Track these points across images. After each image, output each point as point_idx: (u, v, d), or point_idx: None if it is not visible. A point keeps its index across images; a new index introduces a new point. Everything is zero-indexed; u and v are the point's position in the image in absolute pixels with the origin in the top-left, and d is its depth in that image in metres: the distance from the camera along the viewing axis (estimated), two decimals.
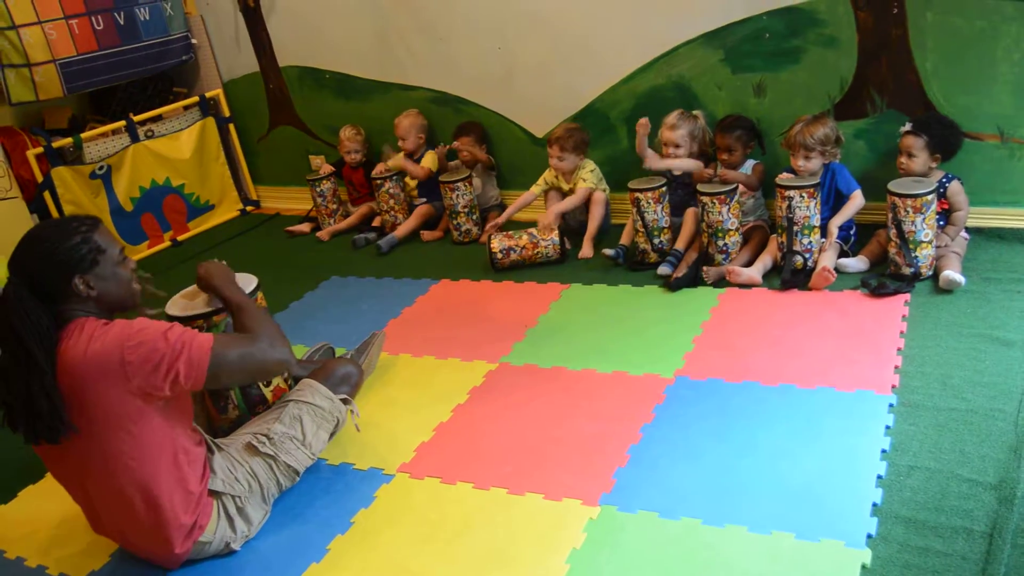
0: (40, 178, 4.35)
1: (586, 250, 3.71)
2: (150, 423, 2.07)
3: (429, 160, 4.28)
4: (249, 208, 5.26)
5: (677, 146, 3.46)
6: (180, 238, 4.94)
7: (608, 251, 3.51)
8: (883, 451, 2.21)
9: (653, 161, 3.46)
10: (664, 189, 3.42)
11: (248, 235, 4.88)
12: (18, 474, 2.79)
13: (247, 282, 2.55)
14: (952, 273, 2.87)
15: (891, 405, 2.39)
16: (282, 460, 2.36)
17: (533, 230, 3.68)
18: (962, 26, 2.99)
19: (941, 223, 3.09)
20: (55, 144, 4.41)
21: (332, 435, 2.52)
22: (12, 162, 4.34)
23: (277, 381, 2.58)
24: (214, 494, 2.25)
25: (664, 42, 3.56)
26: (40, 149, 4.36)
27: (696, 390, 2.63)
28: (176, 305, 2.50)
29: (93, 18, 4.49)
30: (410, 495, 2.40)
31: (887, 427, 2.30)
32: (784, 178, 3.16)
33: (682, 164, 3.47)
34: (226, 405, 2.53)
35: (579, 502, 2.23)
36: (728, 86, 3.51)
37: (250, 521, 2.32)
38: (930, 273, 2.99)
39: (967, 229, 3.15)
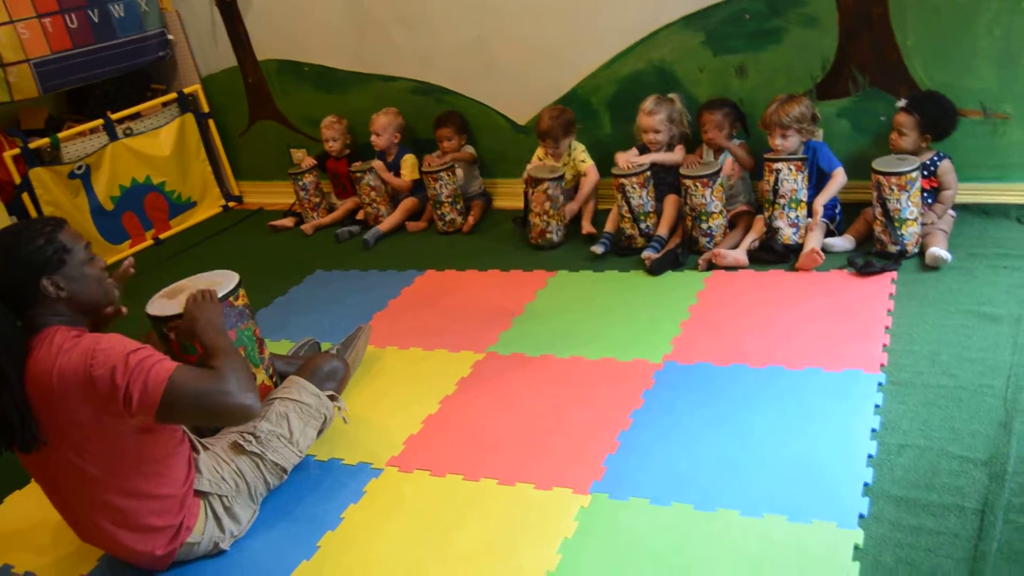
0: (17, 180, 4.29)
1: (587, 227, 3.69)
2: (122, 434, 2.02)
3: (408, 168, 4.25)
4: (231, 204, 5.21)
5: (656, 131, 3.44)
6: (162, 236, 4.89)
7: (596, 248, 3.47)
8: (873, 430, 2.21)
9: (631, 158, 3.45)
10: (648, 174, 3.40)
11: (231, 231, 4.84)
12: (4, 479, 2.75)
13: (228, 279, 2.51)
14: (938, 250, 2.87)
15: (880, 384, 2.38)
16: (269, 458, 2.33)
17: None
18: (942, 2, 2.98)
19: (929, 201, 3.08)
20: (32, 145, 4.35)
21: (320, 432, 2.50)
22: None
23: (262, 378, 2.54)
24: (201, 494, 2.22)
25: (644, 26, 3.54)
26: (16, 150, 4.29)
27: (685, 375, 2.62)
28: (156, 304, 2.46)
29: (67, 16, 4.42)
30: (400, 489, 2.38)
31: (876, 406, 2.30)
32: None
33: (663, 158, 3.44)
34: None
35: (570, 491, 2.21)
36: (710, 69, 3.49)
37: (238, 520, 2.29)
38: (916, 251, 2.98)
39: (953, 206, 3.15)
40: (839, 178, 3.13)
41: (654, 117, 3.43)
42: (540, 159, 3.86)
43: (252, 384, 2.11)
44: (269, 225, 4.68)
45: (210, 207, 5.16)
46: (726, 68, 3.45)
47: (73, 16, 4.45)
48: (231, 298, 2.44)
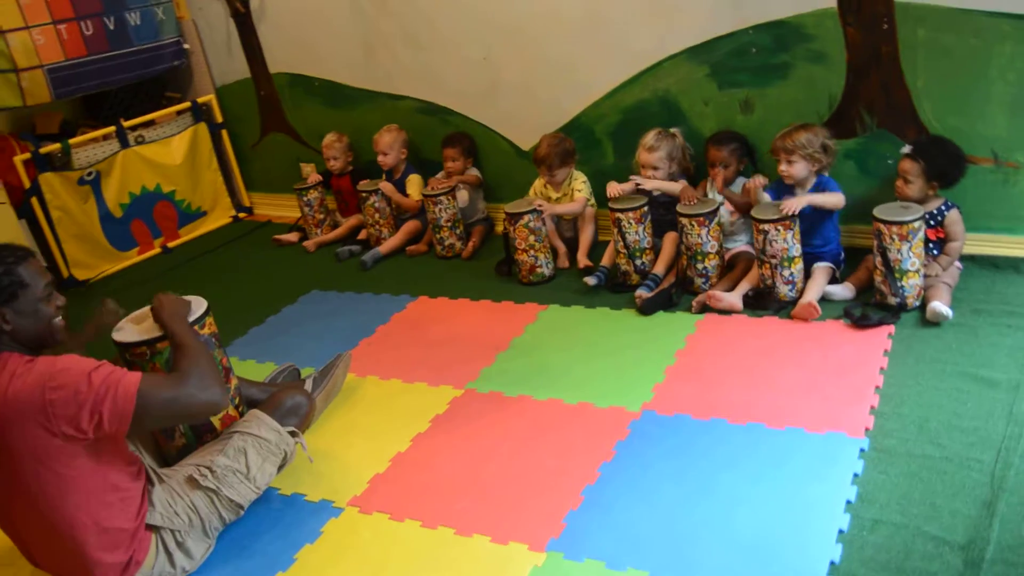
0: (27, 184, 4.31)
1: (583, 260, 3.60)
2: (73, 462, 1.99)
3: (415, 187, 4.19)
4: (241, 215, 5.21)
5: (655, 168, 3.34)
6: (170, 245, 4.89)
7: (590, 279, 3.38)
8: (848, 502, 2.09)
9: (623, 185, 3.36)
10: (645, 209, 3.30)
11: (237, 243, 4.82)
12: None
13: (197, 305, 2.47)
14: (939, 305, 2.73)
15: (862, 450, 2.26)
16: (224, 494, 2.28)
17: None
18: (955, 44, 2.85)
19: (935, 252, 2.94)
20: (43, 150, 4.37)
21: (281, 467, 2.44)
22: None
23: (226, 408, 2.49)
24: (152, 528, 2.18)
25: (649, 55, 3.44)
26: (27, 155, 4.32)
27: (661, 426, 2.51)
28: (123, 330, 2.42)
29: (82, 23, 4.44)
30: (356, 532, 2.31)
31: (855, 475, 2.18)
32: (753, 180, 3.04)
33: (662, 186, 3.34)
34: (172, 432, 2.45)
35: (526, 547, 2.13)
36: (715, 102, 3.38)
37: (191, 556, 2.24)
38: (917, 304, 2.85)
39: (960, 258, 3.00)
40: (835, 198, 3.00)
41: (653, 154, 3.33)
42: (537, 191, 3.79)
43: (216, 377, 2.16)
44: (273, 239, 4.65)
45: (220, 217, 5.16)
46: (731, 102, 3.34)
47: (89, 23, 4.47)
48: (196, 326, 2.39)
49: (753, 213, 3.00)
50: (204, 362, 2.15)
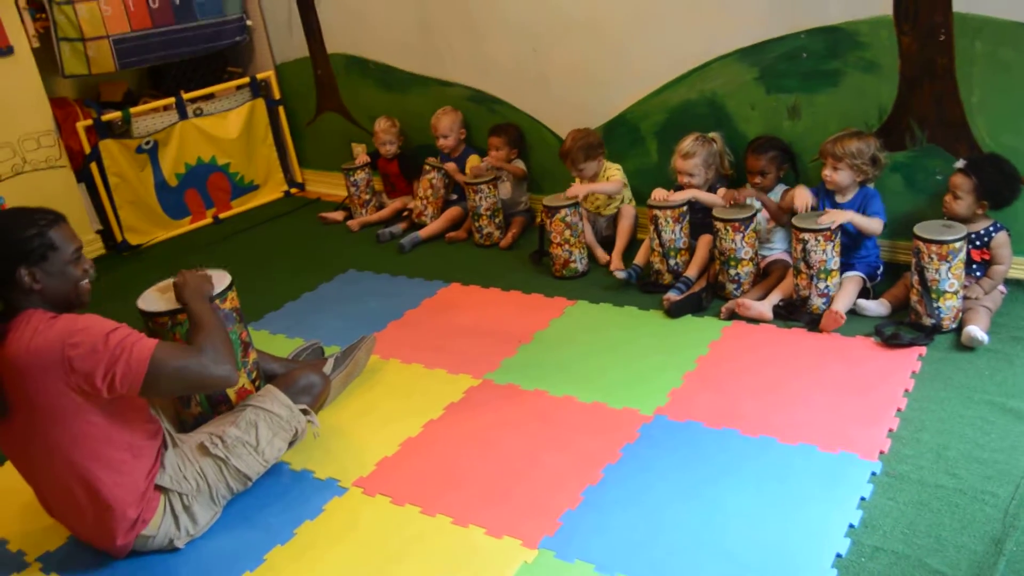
0: (88, 149, 4.45)
1: (616, 263, 3.56)
2: (91, 418, 2.07)
3: (473, 164, 4.20)
4: (293, 190, 5.29)
5: (691, 175, 3.28)
6: (222, 216, 5.00)
7: (619, 273, 3.35)
8: (851, 526, 2.03)
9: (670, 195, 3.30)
10: (684, 209, 3.25)
11: (286, 218, 4.91)
12: None
13: (221, 280, 2.51)
14: (975, 329, 2.62)
15: (873, 473, 2.19)
16: (232, 464, 2.33)
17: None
18: (1013, 59, 2.72)
19: (978, 274, 2.83)
20: (104, 117, 4.51)
21: (292, 443, 2.48)
22: (63, 132, 4.45)
23: (243, 382, 2.54)
24: (161, 489, 2.24)
25: (698, 55, 3.37)
26: (90, 121, 4.45)
27: (672, 432, 2.47)
28: (147, 299, 2.48)
29: None
30: (357, 512, 2.34)
31: (862, 498, 2.11)
32: (800, 204, 2.93)
33: (701, 197, 3.28)
34: (189, 400, 2.51)
35: (519, 542, 2.13)
36: (761, 106, 3.30)
37: (196, 520, 2.30)
38: (954, 326, 2.74)
39: (1006, 281, 2.88)
40: (875, 224, 2.91)
41: (689, 160, 3.27)
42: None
43: (229, 354, 2.21)
44: (319, 216, 4.72)
45: (272, 191, 5.25)
46: (779, 107, 3.26)
47: None
48: (218, 300, 2.44)
49: (794, 222, 2.92)
50: (219, 339, 2.21)
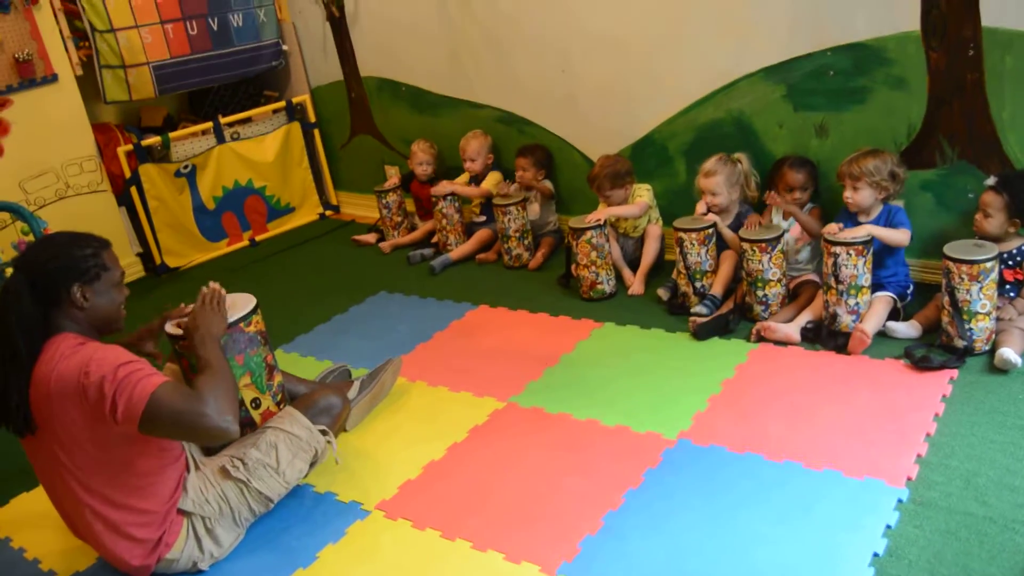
0: (128, 174, 4.56)
1: (637, 287, 3.55)
2: (111, 445, 2.10)
3: (491, 181, 4.22)
4: (328, 212, 5.36)
5: (714, 194, 3.25)
6: (258, 238, 5.08)
7: (663, 292, 3.33)
8: (875, 555, 1.98)
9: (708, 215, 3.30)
10: (711, 231, 3.22)
11: (320, 240, 4.97)
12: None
13: (246, 303, 2.55)
14: (1009, 352, 2.55)
15: (900, 500, 2.14)
16: (254, 486, 2.35)
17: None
18: None
19: (1011, 294, 2.76)
20: (144, 143, 4.62)
21: (313, 465, 2.50)
22: (104, 157, 4.57)
23: (267, 404, 2.57)
24: (184, 513, 2.27)
25: (725, 74, 3.35)
26: (130, 146, 4.57)
27: (695, 457, 2.45)
28: (172, 322, 2.53)
29: (188, 23, 4.67)
30: (379, 536, 2.35)
31: (888, 526, 2.06)
32: (832, 231, 2.89)
33: (727, 233, 3.29)
34: None
35: (537, 568, 2.12)
36: (789, 125, 3.26)
37: (220, 543, 2.32)
38: (986, 348, 2.67)
39: None
40: (902, 235, 2.86)
41: (711, 179, 3.25)
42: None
43: (232, 406, 2.14)
44: (352, 239, 4.77)
45: (308, 214, 5.32)
46: (806, 125, 3.22)
47: (194, 23, 4.69)
48: (242, 323, 2.47)
49: (824, 235, 2.88)
50: (223, 388, 2.15)
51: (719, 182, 3.24)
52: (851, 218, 2.96)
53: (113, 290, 2.21)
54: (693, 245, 3.21)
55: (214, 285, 2.44)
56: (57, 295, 2.12)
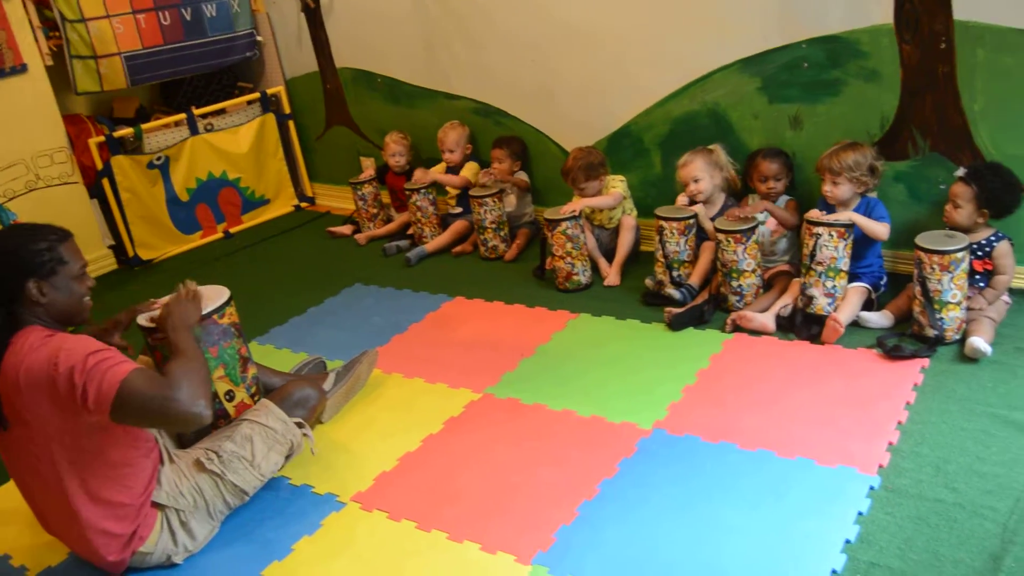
0: (100, 165, 4.50)
1: (612, 278, 3.55)
2: (83, 436, 2.08)
3: (469, 170, 4.21)
4: (303, 204, 5.32)
5: (696, 180, 3.27)
6: (233, 230, 5.04)
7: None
8: (847, 541, 2.00)
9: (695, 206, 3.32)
10: (691, 222, 3.23)
11: (295, 232, 4.94)
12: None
13: (219, 295, 2.53)
14: (978, 340, 2.59)
15: (871, 488, 2.17)
16: (228, 479, 2.33)
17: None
18: (1016, 67, 2.69)
19: (982, 284, 2.79)
20: (116, 134, 4.56)
21: (289, 457, 2.49)
22: (75, 148, 4.51)
23: (242, 396, 2.55)
24: (158, 506, 2.25)
25: (700, 66, 3.36)
26: (102, 138, 4.51)
27: (669, 446, 2.46)
28: (145, 315, 2.50)
29: (160, 13, 4.61)
30: (354, 528, 2.34)
31: (859, 513, 2.08)
32: (814, 215, 2.91)
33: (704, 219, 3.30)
34: None
35: (512, 558, 2.12)
36: (764, 116, 3.28)
37: (194, 536, 2.31)
38: (957, 337, 2.71)
39: (1011, 291, 2.84)
40: (881, 227, 2.88)
41: (689, 167, 3.27)
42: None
43: (205, 391, 2.12)
44: (327, 231, 4.74)
45: (283, 206, 5.29)
46: (781, 117, 3.24)
47: (167, 13, 4.63)
48: (215, 315, 2.45)
49: (806, 217, 2.90)
50: (195, 374, 2.13)
51: (699, 167, 3.25)
52: (829, 209, 2.98)
53: (73, 283, 2.16)
54: (673, 234, 3.23)
55: (191, 284, 2.43)
56: (11, 292, 2.09)
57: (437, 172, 4.28)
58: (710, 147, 3.32)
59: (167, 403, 2.02)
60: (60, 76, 4.37)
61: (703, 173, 3.26)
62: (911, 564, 1.91)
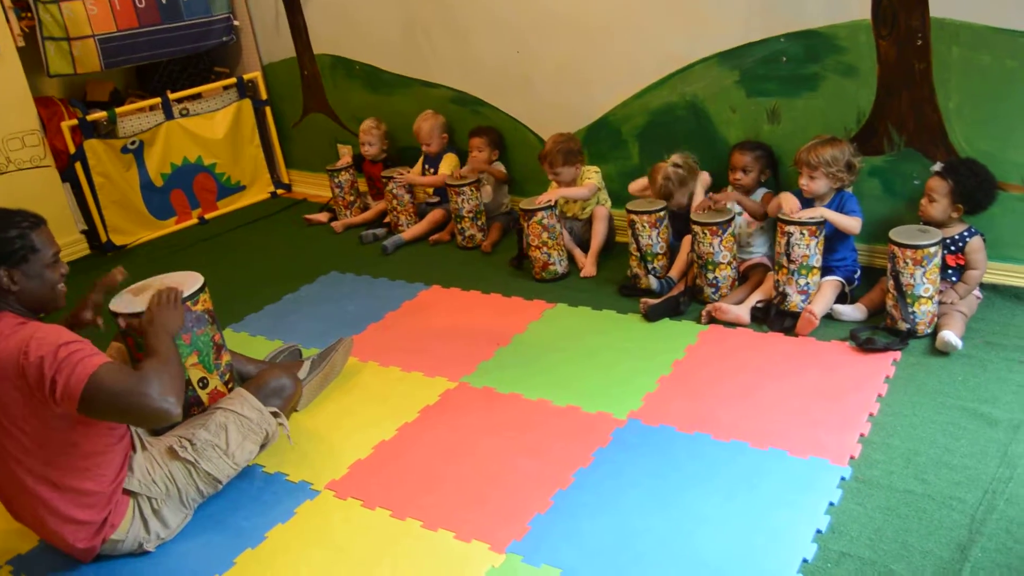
0: (73, 149, 4.44)
1: (588, 268, 3.56)
2: (53, 424, 2.05)
3: (448, 164, 4.19)
4: (280, 191, 5.28)
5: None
6: (207, 216, 4.99)
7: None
8: (818, 531, 2.02)
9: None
10: (662, 214, 3.24)
11: (271, 219, 4.90)
12: None
13: (194, 281, 2.51)
14: (949, 334, 2.62)
15: (843, 478, 2.19)
16: (202, 467, 2.32)
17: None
18: (990, 64, 2.72)
19: (954, 279, 2.83)
20: (90, 117, 4.50)
21: (263, 446, 2.47)
22: (48, 131, 4.44)
23: (215, 384, 2.53)
24: (130, 493, 2.23)
25: (679, 58, 3.37)
26: (75, 121, 4.44)
27: (644, 436, 2.47)
28: (120, 300, 2.47)
29: None
30: (328, 516, 2.33)
31: (830, 504, 2.11)
32: (787, 208, 2.92)
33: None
34: None
35: (487, 547, 2.12)
36: (742, 109, 3.30)
37: (166, 524, 2.29)
38: (928, 331, 2.74)
39: (982, 287, 2.88)
40: (853, 222, 2.89)
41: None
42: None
43: (176, 389, 2.11)
44: (304, 218, 4.71)
45: (259, 192, 5.24)
46: (759, 110, 3.25)
47: None
48: (189, 302, 2.43)
49: (779, 216, 2.91)
50: (167, 372, 2.11)
51: (673, 169, 3.25)
52: (805, 203, 3.00)
53: (46, 270, 2.14)
54: (645, 227, 3.23)
55: (120, 272, 2.52)
56: None
57: (414, 175, 4.25)
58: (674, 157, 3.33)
59: (136, 398, 2.01)
60: (32, 58, 4.30)
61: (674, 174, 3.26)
62: (881, 554, 1.93)
